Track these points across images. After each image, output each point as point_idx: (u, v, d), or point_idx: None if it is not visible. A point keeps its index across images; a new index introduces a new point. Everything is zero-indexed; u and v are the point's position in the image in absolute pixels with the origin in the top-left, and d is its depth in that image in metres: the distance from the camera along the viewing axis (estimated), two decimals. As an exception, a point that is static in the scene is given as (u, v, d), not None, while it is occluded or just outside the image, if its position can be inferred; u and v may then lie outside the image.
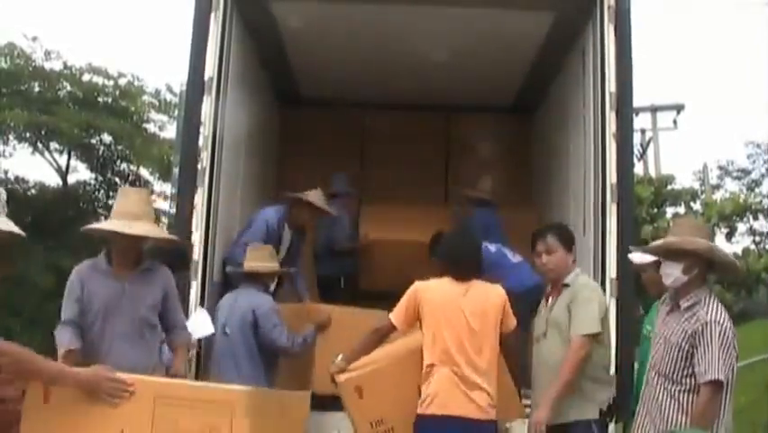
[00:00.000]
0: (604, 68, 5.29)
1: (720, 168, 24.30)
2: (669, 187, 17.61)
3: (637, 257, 4.43)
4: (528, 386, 4.26)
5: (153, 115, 15.89)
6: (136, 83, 15.54)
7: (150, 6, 47.89)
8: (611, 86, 5.21)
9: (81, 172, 16.29)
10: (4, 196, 3.05)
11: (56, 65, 14.87)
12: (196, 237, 5.09)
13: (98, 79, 15.13)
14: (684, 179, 23.32)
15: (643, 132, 20.40)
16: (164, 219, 12.08)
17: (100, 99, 15.09)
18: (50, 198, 15.67)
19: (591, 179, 5.45)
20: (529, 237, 4.38)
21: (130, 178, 16.15)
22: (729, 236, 16.81)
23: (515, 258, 5.91)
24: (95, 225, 4.26)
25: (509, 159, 8.05)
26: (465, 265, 4.12)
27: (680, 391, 3.46)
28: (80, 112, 14.39)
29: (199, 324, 4.76)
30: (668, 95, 50.89)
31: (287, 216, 5.79)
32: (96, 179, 16.26)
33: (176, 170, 6.95)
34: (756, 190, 21.47)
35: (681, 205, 17.74)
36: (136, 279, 3.95)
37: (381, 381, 4.00)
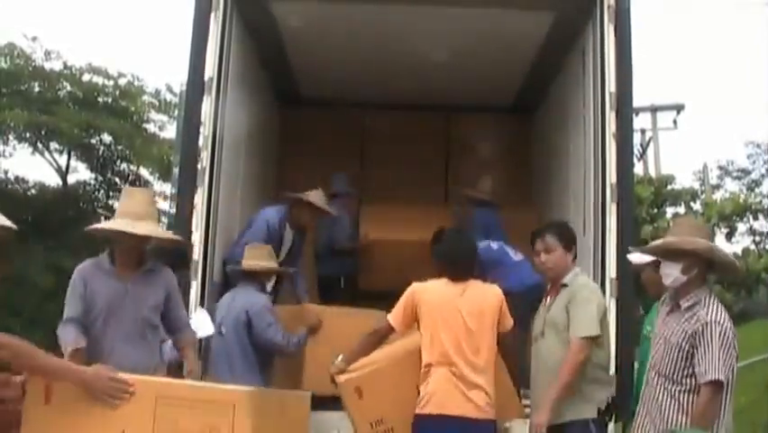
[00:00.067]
0: (604, 68, 5.29)
1: (720, 168, 24.37)
2: (669, 187, 17.63)
3: (636, 257, 4.42)
4: (527, 386, 4.26)
5: (153, 115, 15.96)
6: (136, 83, 15.59)
7: (150, 6, 47.93)
8: (611, 86, 5.21)
9: (81, 172, 16.35)
10: None
11: (56, 65, 14.94)
12: (196, 237, 5.09)
13: (98, 79, 15.17)
14: (684, 179, 23.41)
15: (643, 132, 20.42)
16: (164, 219, 12.10)
17: (100, 99, 15.13)
18: (50, 198, 15.70)
19: (591, 179, 5.45)
20: (529, 237, 4.38)
21: (130, 178, 16.18)
22: (729, 236, 16.84)
23: (516, 256, 5.91)
24: (99, 225, 4.26)
25: (509, 159, 8.04)
26: (462, 266, 4.13)
27: (680, 391, 3.45)
28: (80, 112, 14.42)
29: (199, 324, 4.77)
30: (668, 95, 51.04)
31: (287, 217, 5.80)
32: (95, 179, 16.29)
33: (176, 170, 6.97)
34: (756, 190, 21.52)
35: (681, 205, 17.76)
36: (139, 279, 3.95)
37: (381, 381, 4.02)
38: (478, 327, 3.96)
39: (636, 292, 5.08)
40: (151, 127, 16.07)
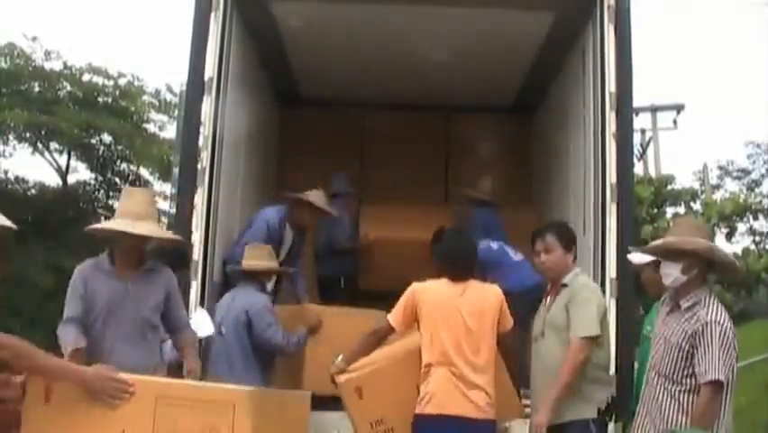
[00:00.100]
0: (604, 68, 5.29)
1: (720, 168, 24.37)
2: (669, 187, 17.62)
3: (636, 257, 4.42)
4: (527, 386, 4.26)
5: (153, 115, 15.96)
6: (136, 83, 15.59)
7: (150, 6, 47.93)
8: (611, 86, 5.21)
9: (81, 172, 16.35)
10: None
11: (56, 65, 14.94)
12: (196, 237, 5.09)
13: (98, 79, 15.18)
14: (684, 179, 23.40)
15: (643, 132, 20.41)
16: (164, 219, 12.09)
17: (100, 99, 15.13)
18: (50, 198, 15.70)
19: (591, 179, 5.45)
20: (529, 237, 4.38)
21: (130, 178, 16.18)
22: (729, 236, 16.83)
23: (516, 256, 5.92)
24: (99, 225, 4.26)
25: (509, 159, 8.04)
26: (462, 266, 4.13)
27: (680, 391, 3.45)
28: (80, 112, 14.42)
29: (199, 324, 4.76)
30: (668, 95, 51.01)
31: (288, 217, 5.79)
32: (95, 179, 16.30)
33: (176, 170, 6.97)
34: (756, 190, 21.52)
35: (681, 205, 17.75)
36: (139, 279, 3.95)
37: (381, 381, 4.02)
38: (478, 327, 3.96)
39: (636, 292, 5.08)
40: (151, 127, 16.09)
